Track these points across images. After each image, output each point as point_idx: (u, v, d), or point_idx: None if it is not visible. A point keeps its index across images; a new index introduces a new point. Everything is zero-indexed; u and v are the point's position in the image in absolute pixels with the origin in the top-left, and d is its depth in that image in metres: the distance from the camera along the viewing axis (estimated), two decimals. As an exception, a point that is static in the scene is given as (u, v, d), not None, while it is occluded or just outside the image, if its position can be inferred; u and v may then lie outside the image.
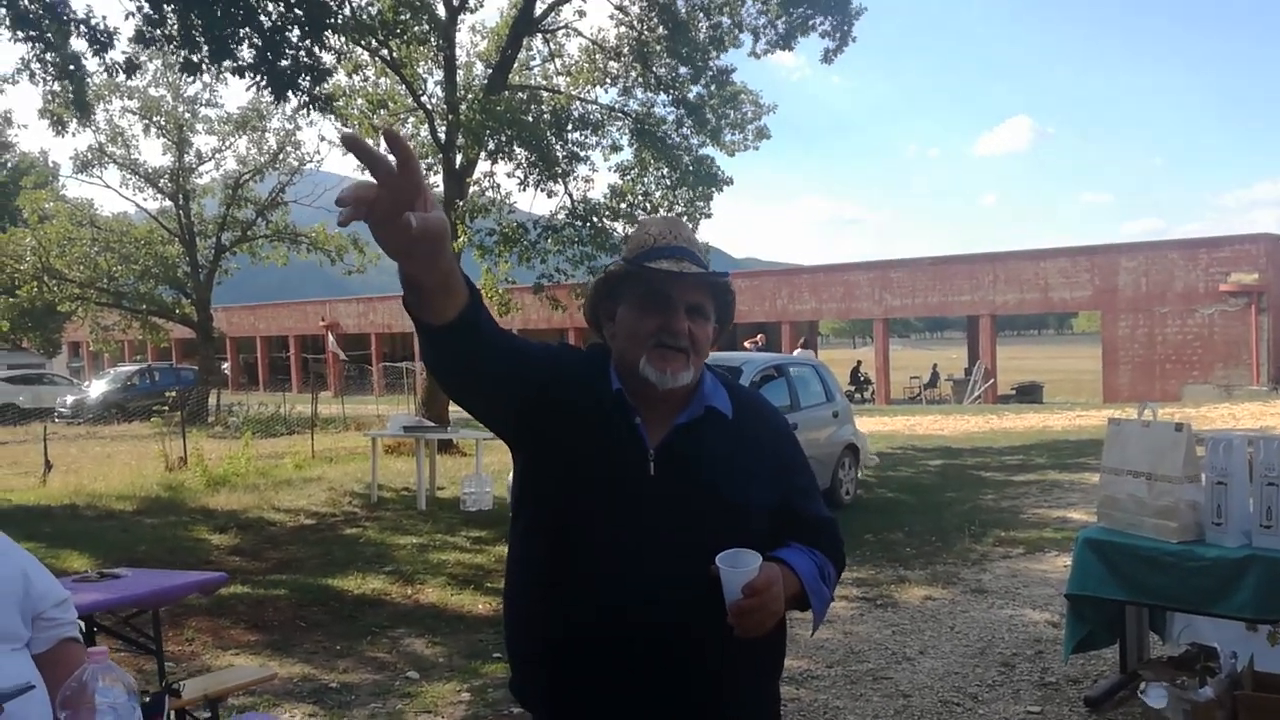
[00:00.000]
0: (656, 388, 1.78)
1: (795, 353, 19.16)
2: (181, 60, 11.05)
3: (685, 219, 17.74)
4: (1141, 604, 4.42)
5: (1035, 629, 6.00)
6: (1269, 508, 3.76)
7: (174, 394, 20.43)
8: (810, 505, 1.92)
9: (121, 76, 12.55)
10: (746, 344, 20.09)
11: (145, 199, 30.75)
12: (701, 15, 17.22)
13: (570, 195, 17.62)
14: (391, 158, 1.33)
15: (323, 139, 55.78)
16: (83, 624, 3.88)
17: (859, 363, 37.34)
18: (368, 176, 1.38)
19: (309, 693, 5.18)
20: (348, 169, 24.43)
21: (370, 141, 1.48)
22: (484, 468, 11.05)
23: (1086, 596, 4.30)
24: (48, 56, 11.65)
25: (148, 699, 3.69)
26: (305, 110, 12.19)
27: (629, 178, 18.29)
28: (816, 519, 1.91)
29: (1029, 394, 31.21)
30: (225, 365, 45.34)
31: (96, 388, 31.99)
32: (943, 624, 6.19)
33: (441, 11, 16.91)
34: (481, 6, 17.69)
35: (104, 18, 11.01)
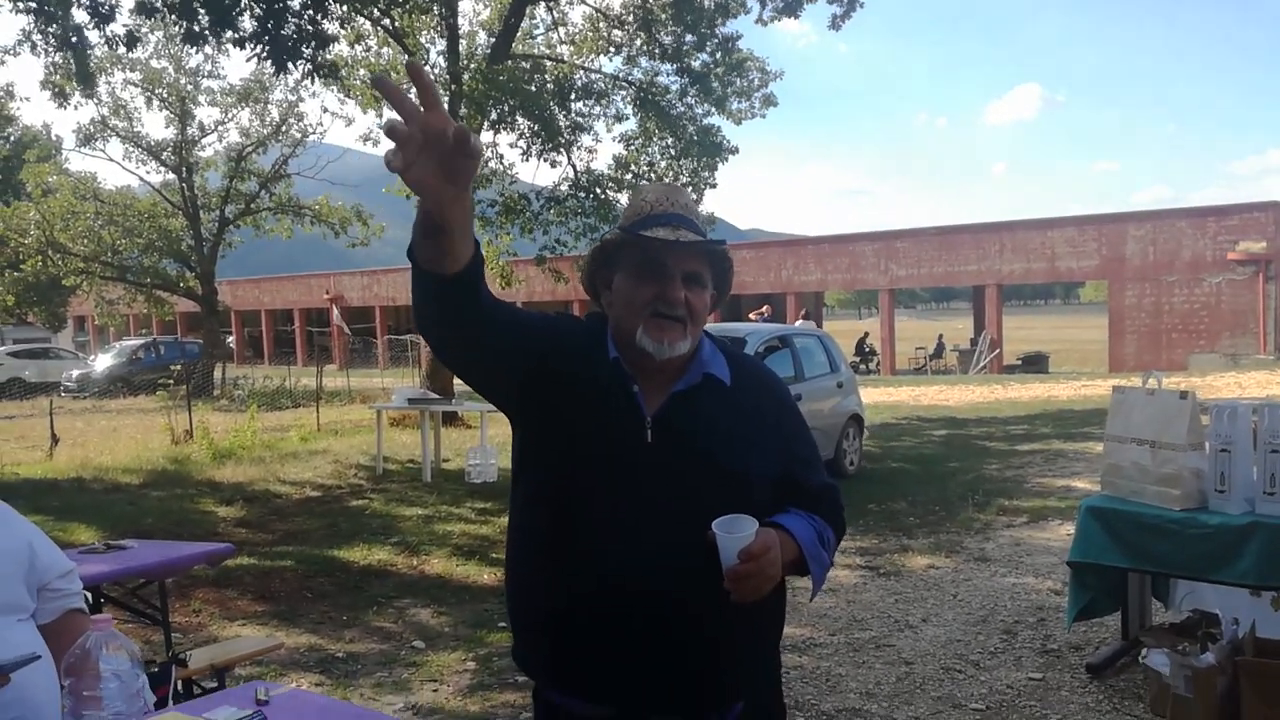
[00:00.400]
0: (654, 357, 1.77)
1: (797, 324, 19.12)
2: (183, 31, 10.99)
3: (690, 189, 17.67)
4: (1144, 571, 4.42)
5: (1038, 597, 6.02)
6: (1273, 475, 3.75)
7: (179, 367, 20.46)
8: (811, 473, 1.92)
9: (122, 49, 12.49)
10: (752, 315, 20.07)
11: (148, 172, 30.69)
12: (706, -19, 17.05)
13: (573, 166, 17.56)
14: (415, 97, 1.36)
15: (325, 110, 55.72)
16: (89, 595, 3.91)
17: (865, 334, 37.28)
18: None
19: (315, 662, 5.22)
20: (350, 140, 24.35)
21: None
22: (488, 439, 11.07)
23: (1089, 564, 4.31)
24: (49, 28, 11.58)
25: (155, 669, 3.72)
26: (309, 79, 12.15)
27: (633, 148, 18.20)
28: (817, 486, 1.91)
29: (1035, 364, 31.16)
30: (230, 339, 45.41)
31: (102, 362, 32.08)
32: (945, 592, 6.22)
33: (444, -20, 16.76)
34: (484, -26, 17.47)
35: (104, -11, 10.93)
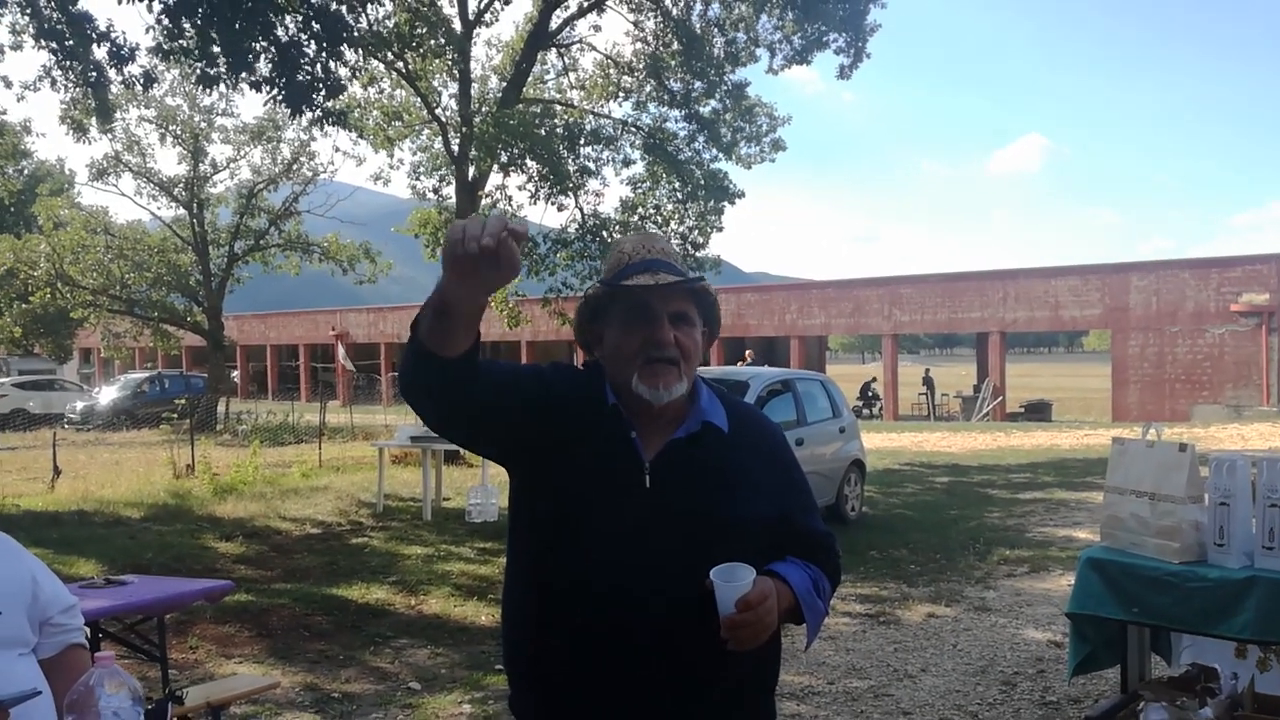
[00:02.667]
0: (652, 404, 1.80)
1: (740, 366, 18.66)
2: (199, 73, 11.17)
3: (696, 231, 17.82)
4: (1143, 624, 4.41)
5: (1037, 648, 5.99)
6: (1271, 529, 3.75)
7: (183, 401, 20.53)
8: (807, 520, 1.94)
9: (139, 89, 12.70)
10: (740, 363, 20.09)
11: (160, 207, 30.97)
12: (716, 31, 17.31)
13: (581, 209, 17.70)
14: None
15: (337, 150, 56.19)
16: (88, 630, 3.91)
17: (873, 379, 37.22)
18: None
19: (311, 702, 5.21)
20: (360, 179, 24.57)
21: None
22: (490, 479, 11.06)
23: (1088, 616, 4.29)
24: (70, 65, 11.78)
25: (151, 706, 3.72)
26: (320, 124, 12.30)
27: (640, 190, 18.36)
28: (813, 533, 1.93)
29: (1038, 412, 31.11)
30: (235, 373, 45.44)
31: (106, 394, 32.14)
32: (945, 642, 6.19)
33: (457, 25, 17.04)
34: (497, 20, 17.80)
35: (124, 32, 11.17)
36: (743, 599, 1.65)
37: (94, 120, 15.00)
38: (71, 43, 11.15)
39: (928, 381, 35.25)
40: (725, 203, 17.62)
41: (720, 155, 18.01)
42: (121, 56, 10.99)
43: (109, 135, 26.64)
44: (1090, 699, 4.92)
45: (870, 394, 35.26)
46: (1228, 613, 3.80)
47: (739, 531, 1.79)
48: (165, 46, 10.92)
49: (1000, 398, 31.08)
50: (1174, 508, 4.00)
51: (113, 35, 11.00)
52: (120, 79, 11.50)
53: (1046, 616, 6.67)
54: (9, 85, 15.46)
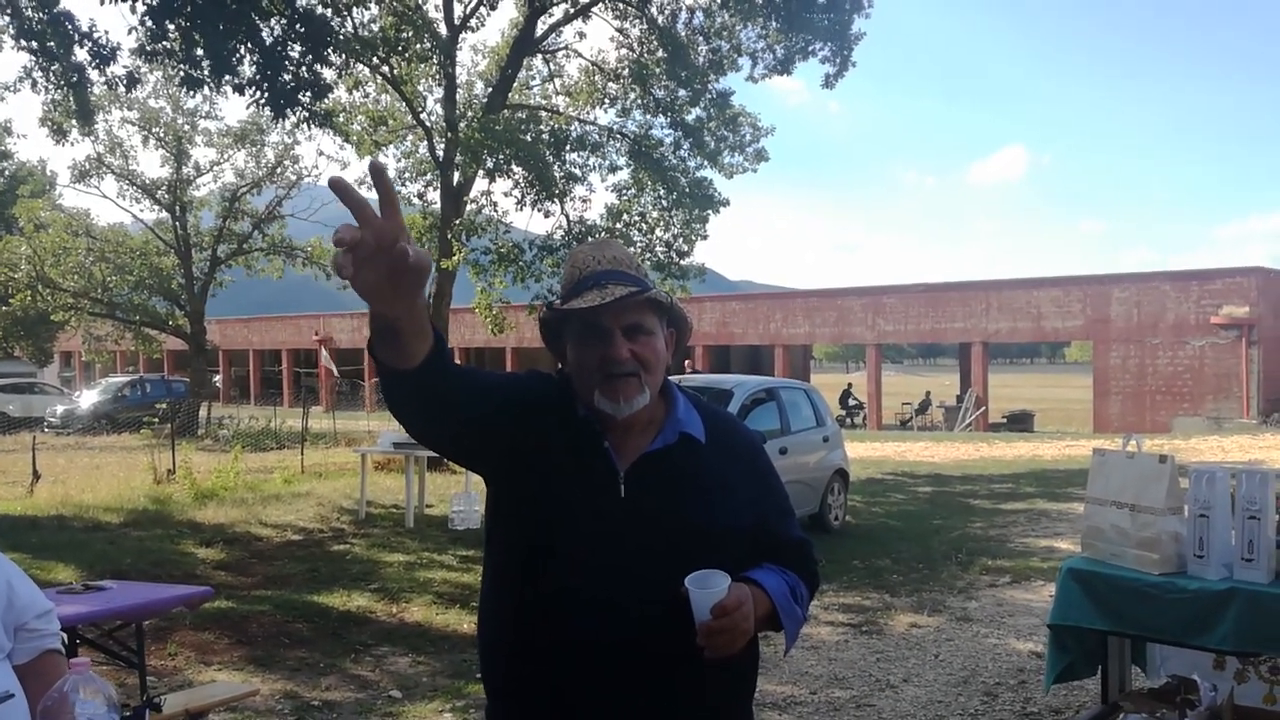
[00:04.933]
0: (614, 418, 1.79)
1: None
2: (183, 75, 11.12)
3: (681, 239, 17.83)
4: (1123, 635, 4.43)
5: (1019, 658, 6.01)
6: (1250, 541, 3.78)
7: (164, 406, 20.39)
8: (785, 527, 1.93)
9: (122, 90, 12.62)
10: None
11: (142, 210, 30.80)
12: (701, 39, 17.36)
13: (567, 215, 17.69)
14: (375, 199, 1.38)
15: (321, 153, 56.12)
16: (65, 636, 3.88)
17: (849, 385, 37.38)
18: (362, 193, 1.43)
19: (291, 710, 5.17)
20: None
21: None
22: (473, 486, 11.03)
23: (1069, 627, 4.31)
24: (51, 66, 11.70)
25: (128, 713, 3.69)
26: (304, 126, 12.26)
27: (625, 197, 18.37)
28: (790, 541, 1.92)
29: (1020, 422, 31.26)
30: (217, 378, 45.24)
31: (87, 398, 31.88)
32: (927, 652, 6.20)
33: (443, 30, 17.03)
34: (483, 26, 17.77)
35: (106, 32, 11.08)
36: (718, 605, 1.65)
37: (74, 122, 14.89)
38: (53, 43, 11.07)
39: (925, 403, 35.40)
40: (710, 211, 17.64)
41: (705, 163, 18.05)
42: (104, 57, 10.92)
43: (91, 137, 26.49)
44: (1071, 710, 4.94)
45: (852, 402, 35.36)
46: (1207, 624, 3.82)
47: (715, 539, 1.78)
48: (148, 48, 10.87)
49: (983, 408, 31.23)
50: (1154, 519, 4.02)
51: (95, 35, 10.94)
52: (103, 79, 11.43)
53: (1028, 627, 6.70)
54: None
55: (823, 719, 4.99)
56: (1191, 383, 27.97)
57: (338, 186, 1.39)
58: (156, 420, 19.08)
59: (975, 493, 14.07)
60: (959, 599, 7.62)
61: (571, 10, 17.32)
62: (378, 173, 1.39)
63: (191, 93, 12.51)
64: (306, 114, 11.62)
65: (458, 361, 1.87)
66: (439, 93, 18.06)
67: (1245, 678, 4.19)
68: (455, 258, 16.73)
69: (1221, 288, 27.80)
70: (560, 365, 1.94)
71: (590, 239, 16.90)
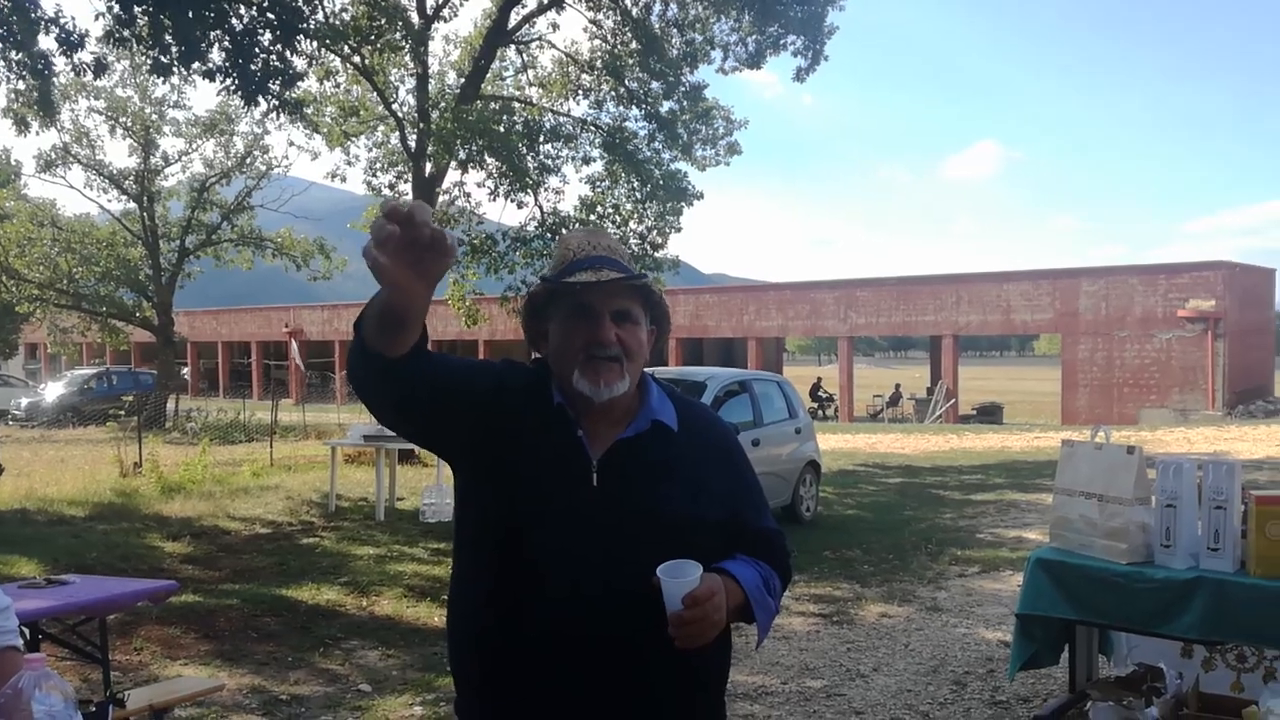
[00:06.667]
0: (593, 400, 1.78)
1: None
2: (151, 61, 10.95)
3: (655, 231, 17.81)
4: (1091, 624, 4.46)
5: (988, 647, 6.05)
6: (1216, 530, 3.81)
7: (131, 398, 20.14)
8: (758, 518, 1.92)
9: (90, 77, 12.41)
10: None
11: (109, 200, 30.42)
12: (675, 31, 17.32)
13: (540, 207, 17.63)
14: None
15: (292, 144, 55.57)
16: (27, 631, 3.81)
17: (819, 379, 37.54)
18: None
19: (258, 705, 5.11)
20: (316, 174, 24.30)
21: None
22: (444, 478, 10.97)
23: (1035, 616, 4.34)
24: (14, 55, 11.49)
25: (92, 709, 3.63)
26: (274, 114, 12.13)
27: (599, 189, 18.33)
28: (763, 531, 1.91)
29: (989, 414, 31.53)
30: (185, 370, 44.76)
31: (52, 390, 31.46)
32: (897, 641, 6.23)
33: (415, 19, 16.89)
34: (455, 16, 17.65)
35: (73, 18, 10.87)
36: (689, 596, 1.64)
37: (37, 112, 14.63)
38: (19, 33, 10.86)
39: (895, 395, 35.53)
40: (684, 203, 17.63)
41: (678, 155, 18.03)
42: (71, 43, 10.73)
43: (57, 127, 26.10)
44: (1039, 698, 4.98)
45: (823, 395, 35.51)
46: (1173, 613, 3.86)
47: (688, 529, 1.77)
48: (116, 34, 10.70)
49: (953, 400, 31.46)
50: (1122, 509, 4.05)
51: (61, 21, 10.74)
52: (70, 66, 11.23)
53: (997, 616, 6.75)
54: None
55: (794, 709, 5.00)
56: (1158, 375, 28.31)
57: (385, 207, 1.43)
58: (123, 413, 18.83)
59: (945, 484, 14.17)
60: (929, 589, 7.67)
61: (545, 1, 17.23)
62: (396, 211, 1.43)
63: (160, 80, 12.33)
64: (277, 102, 11.49)
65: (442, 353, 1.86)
66: (411, 83, 17.94)
67: (1213, 665, 4.23)
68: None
69: (1188, 282, 28.15)
70: (536, 355, 1.92)
71: (569, 229, 16.93)
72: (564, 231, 17.08)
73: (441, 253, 1.44)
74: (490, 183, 17.21)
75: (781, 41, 16.12)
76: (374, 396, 1.70)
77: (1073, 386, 29.72)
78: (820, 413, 33.07)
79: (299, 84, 12.89)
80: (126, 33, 10.71)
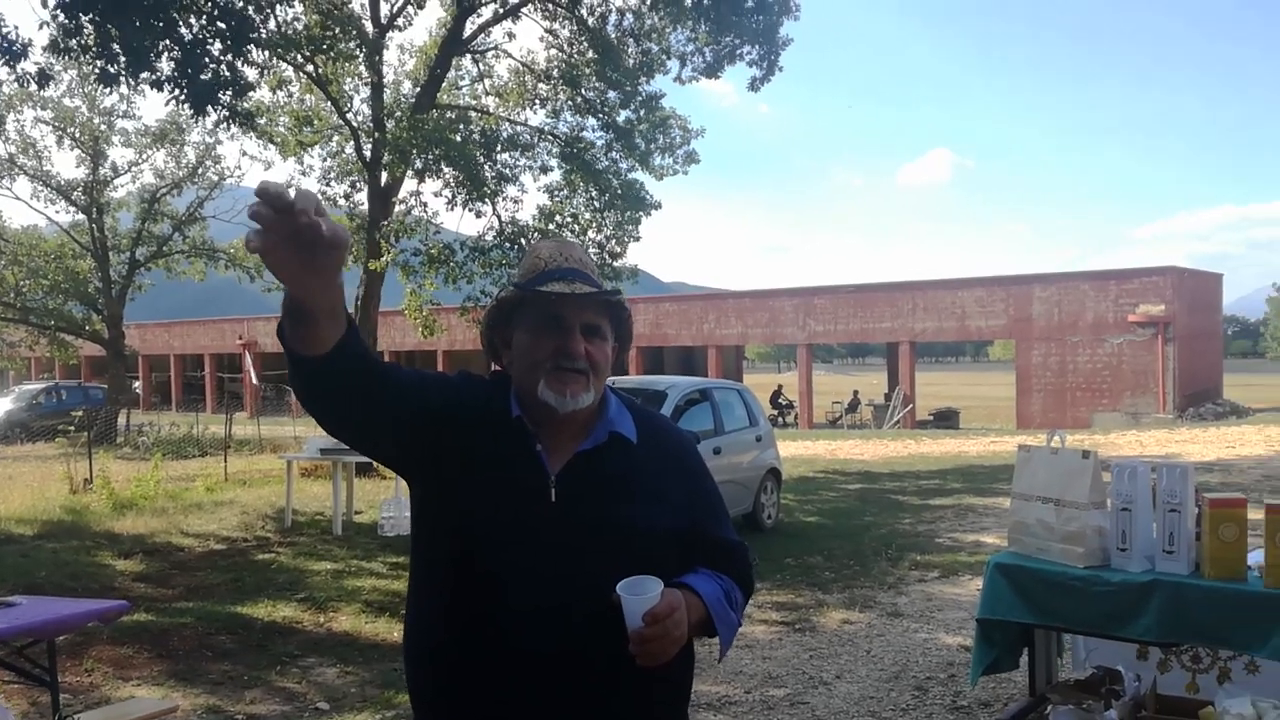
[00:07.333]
0: (557, 411, 1.75)
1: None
2: (98, 71, 10.75)
3: (614, 240, 17.80)
4: (1050, 628, 4.50)
5: (948, 652, 6.09)
6: (1171, 533, 3.86)
7: (81, 413, 19.75)
8: (718, 530, 1.91)
9: (34, 87, 12.16)
10: None
11: (57, 212, 29.86)
12: (631, 41, 17.34)
13: (498, 216, 17.54)
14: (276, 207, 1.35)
15: (244, 154, 54.96)
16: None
17: (780, 386, 37.74)
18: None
19: (214, 725, 5.01)
20: (269, 185, 23.99)
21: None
22: (403, 491, 10.84)
23: (996, 621, 4.36)
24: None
25: (38, 734, 3.53)
26: (225, 125, 11.97)
27: (558, 199, 18.28)
28: (724, 543, 1.90)
29: (946, 420, 31.88)
30: (137, 384, 43.99)
31: (0, 406, 30.76)
32: (859, 648, 6.25)
33: (369, 28, 16.76)
34: (410, 25, 17.46)
35: (16, 27, 10.65)
36: (650, 613, 1.61)
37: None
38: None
39: (854, 402, 35.79)
40: (642, 213, 17.63)
41: (636, 165, 18.04)
42: (13, 53, 10.50)
43: (2, 138, 25.61)
44: (1000, 702, 5.01)
45: (783, 402, 35.70)
46: (1130, 615, 3.90)
47: (648, 542, 1.75)
48: (62, 43, 10.49)
49: (910, 406, 31.76)
50: (1078, 513, 4.09)
51: (4, 30, 10.51)
52: (13, 76, 10.99)
53: (957, 621, 6.79)
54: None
55: (757, 718, 5.00)
56: (1110, 379, 28.79)
57: (261, 191, 1.36)
58: (73, 428, 18.44)
59: (904, 489, 14.28)
60: (889, 594, 7.71)
61: (500, 10, 17.19)
62: (269, 196, 1.35)
63: (108, 90, 12.10)
64: (227, 112, 11.33)
65: (395, 363, 1.82)
66: (365, 92, 17.79)
67: (1168, 667, 4.28)
68: (384, 259, 16.47)
69: (1138, 287, 28.67)
70: (495, 360, 1.89)
71: (528, 239, 16.84)
72: (531, 240, 17.04)
73: (328, 245, 1.38)
74: (447, 192, 17.10)
75: (738, 52, 16.19)
76: (312, 405, 1.66)
77: (1027, 391, 30.13)
78: (780, 420, 33.23)
79: (250, 94, 12.73)
80: (73, 42, 10.51)
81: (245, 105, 12.12)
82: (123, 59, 10.32)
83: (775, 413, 33.43)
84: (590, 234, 17.84)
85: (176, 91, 10.50)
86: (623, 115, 17.72)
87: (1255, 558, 3.59)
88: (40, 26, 10.56)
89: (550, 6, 17.37)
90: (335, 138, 18.69)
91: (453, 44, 17.04)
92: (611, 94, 17.41)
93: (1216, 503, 3.60)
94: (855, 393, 37.74)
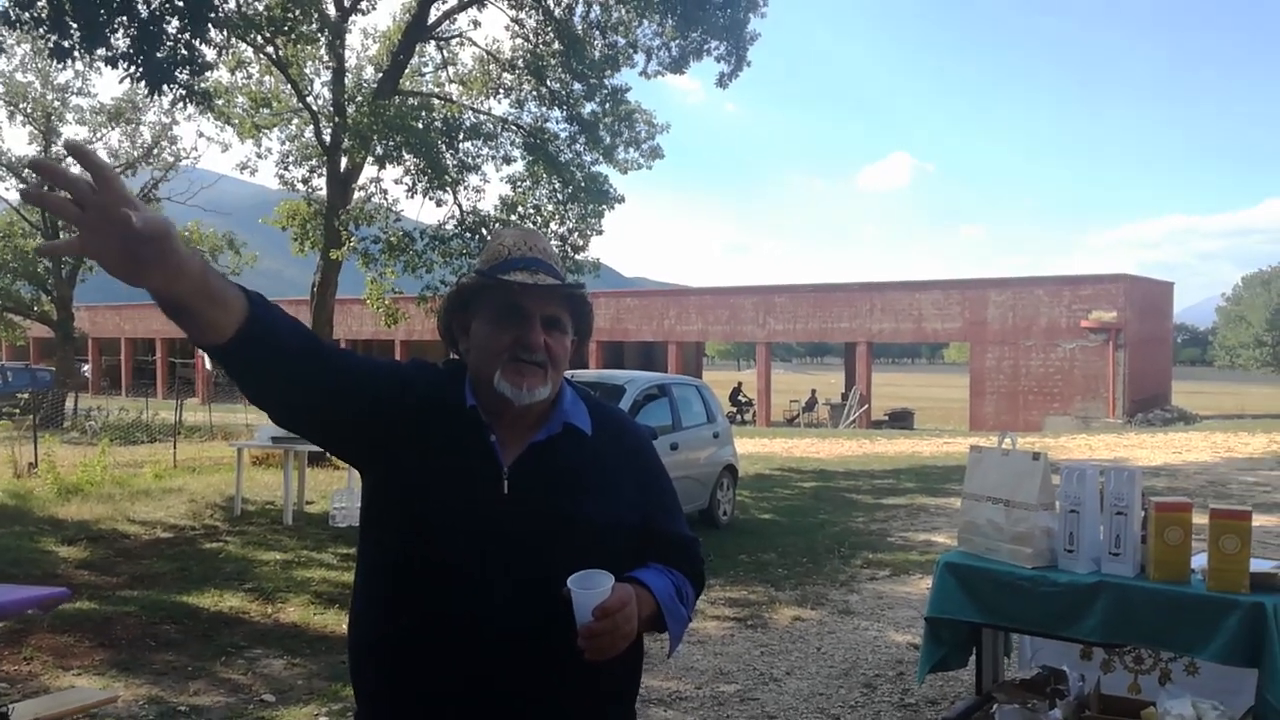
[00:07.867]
0: (512, 403, 1.73)
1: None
2: (51, 45, 10.50)
3: (576, 233, 17.74)
4: (998, 627, 4.55)
5: (898, 650, 6.14)
6: (1118, 535, 3.91)
7: (27, 396, 19.33)
8: (671, 525, 1.89)
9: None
10: None
11: (6, 189, 29.18)
12: (597, 33, 17.28)
13: (460, 205, 17.41)
14: (88, 175, 1.31)
15: (201, 135, 54.12)
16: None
17: (739, 384, 37.92)
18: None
19: (155, 716, 4.92)
20: (226, 167, 23.67)
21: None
22: (355, 481, 10.72)
23: (944, 619, 4.40)
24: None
25: (-30, 723, 3.44)
26: (182, 104, 11.75)
27: (520, 190, 18.18)
28: (677, 538, 1.88)
29: (901, 420, 32.20)
30: (86, 367, 43.18)
31: (-59, 387, 30.02)
32: (810, 645, 6.28)
33: (332, 10, 16.55)
34: (374, 9, 17.22)
35: (-35, -1, 10.37)
36: (600, 607, 1.60)
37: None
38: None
39: (811, 401, 36.01)
40: (605, 206, 17.59)
41: (600, 158, 17.99)
42: (-38, 25, 10.24)
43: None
44: (947, 700, 5.06)
45: (742, 399, 35.87)
46: (1076, 616, 3.94)
47: (600, 536, 1.73)
48: (13, 15, 10.23)
49: (866, 406, 32.04)
50: (1027, 514, 4.13)
51: (-47, 2, 10.24)
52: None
53: (907, 619, 6.85)
54: None
55: (707, 713, 5.00)
56: (1062, 383, 29.24)
57: (42, 168, 1.31)
58: (18, 411, 18.05)
59: (858, 488, 14.39)
60: (841, 592, 7.76)
61: (465, -3, 17.04)
62: (79, 153, 1.31)
63: (61, 65, 11.83)
64: (184, 92, 11.12)
65: (344, 348, 1.78)
66: (326, 76, 17.59)
67: (1111, 667, 4.34)
68: (344, 247, 16.29)
69: (1091, 293, 29.14)
70: (451, 347, 1.86)
71: (490, 229, 16.71)
72: (493, 231, 16.95)
73: (146, 239, 1.31)
74: (408, 179, 16.95)
75: (705, 47, 16.21)
76: (242, 388, 1.63)
77: (981, 394, 30.51)
78: (739, 417, 33.38)
79: (208, 74, 12.51)
80: (26, 15, 10.25)
81: (203, 85, 11.89)
82: (77, 33, 10.09)
83: (734, 410, 33.58)
84: (553, 226, 17.77)
85: (132, 68, 10.28)
86: (588, 108, 17.67)
87: (1199, 561, 3.64)
88: (-10, -2, 10.30)
89: (517, -5, 17.25)
90: (295, 121, 18.44)
91: (417, 29, 16.88)
92: (577, 86, 17.35)
93: (1163, 506, 3.65)
94: (813, 392, 38.00)
